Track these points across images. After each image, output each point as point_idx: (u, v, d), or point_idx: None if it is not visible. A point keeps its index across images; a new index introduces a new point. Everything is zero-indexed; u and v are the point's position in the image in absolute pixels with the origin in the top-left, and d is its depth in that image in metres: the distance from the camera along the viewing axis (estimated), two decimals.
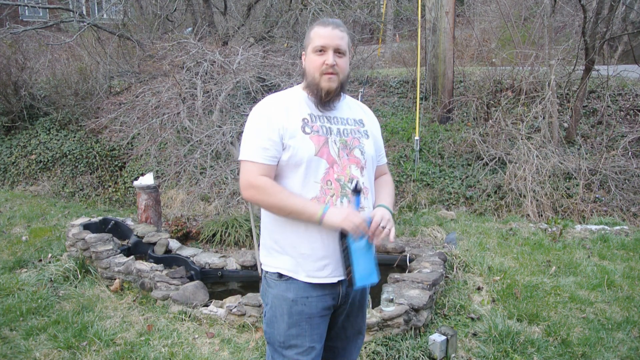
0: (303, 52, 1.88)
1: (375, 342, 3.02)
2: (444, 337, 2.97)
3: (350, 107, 1.95)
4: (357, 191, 1.76)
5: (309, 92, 1.85)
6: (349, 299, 1.91)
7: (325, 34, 1.78)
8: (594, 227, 5.31)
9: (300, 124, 1.78)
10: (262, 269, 1.95)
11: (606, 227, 5.33)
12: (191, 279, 4.06)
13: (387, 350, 2.99)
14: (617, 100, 7.79)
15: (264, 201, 1.77)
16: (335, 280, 1.82)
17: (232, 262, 4.38)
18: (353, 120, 1.91)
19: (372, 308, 3.16)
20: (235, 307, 3.45)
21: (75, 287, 4.14)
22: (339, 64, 1.79)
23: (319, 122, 1.82)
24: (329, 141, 1.80)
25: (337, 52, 1.79)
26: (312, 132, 1.79)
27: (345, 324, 1.97)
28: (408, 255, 4.29)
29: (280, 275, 1.84)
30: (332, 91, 1.80)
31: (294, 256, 1.81)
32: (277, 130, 1.76)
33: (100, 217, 5.33)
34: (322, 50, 1.78)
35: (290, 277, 1.82)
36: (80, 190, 8.28)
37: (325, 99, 1.81)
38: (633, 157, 6.81)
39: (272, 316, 1.86)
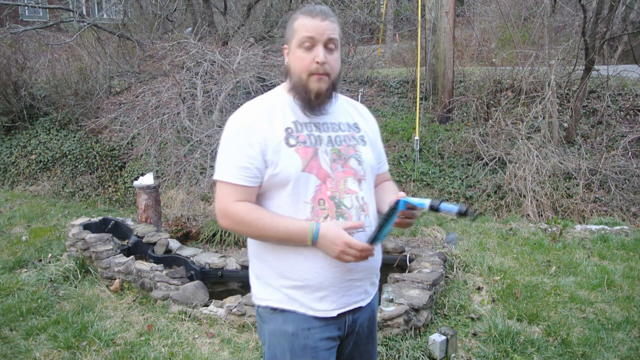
0: (285, 46, 1.59)
1: None
2: (444, 337, 2.97)
3: (344, 110, 1.68)
4: (435, 209, 1.45)
5: (295, 95, 1.56)
6: (356, 327, 1.67)
7: (313, 26, 1.49)
8: (594, 227, 5.31)
9: (283, 135, 1.51)
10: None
11: (606, 227, 5.32)
12: (191, 279, 4.06)
13: (387, 350, 2.99)
14: (617, 100, 7.79)
15: (243, 232, 1.54)
16: (335, 314, 1.57)
17: (232, 262, 4.38)
18: (347, 124, 1.64)
19: None
20: (235, 307, 3.45)
21: (75, 287, 4.14)
22: (330, 62, 1.51)
23: (306, 131, 1.55)
24: (318, 152, 1.53)
25: (328, 47, 1.51)
26: (298, 143, 1.51)
27: (353, 354, 1.72)
28: (408, 255, 4.29)
29: (274, 309, 1.59)
30: (322, 93, 1.53)
31: (283, 288, 1.56)
32: (258, 145, 1.50)
33: (100, 217, 5.32)
34: (309, 45, 1.50)
35: (285, 309, 1.57)
36: (80, 190, 8.28)
37: (315, 102, 1.54)
38: (633, 157, 6.81)
39: (272, 357, 1.61)
